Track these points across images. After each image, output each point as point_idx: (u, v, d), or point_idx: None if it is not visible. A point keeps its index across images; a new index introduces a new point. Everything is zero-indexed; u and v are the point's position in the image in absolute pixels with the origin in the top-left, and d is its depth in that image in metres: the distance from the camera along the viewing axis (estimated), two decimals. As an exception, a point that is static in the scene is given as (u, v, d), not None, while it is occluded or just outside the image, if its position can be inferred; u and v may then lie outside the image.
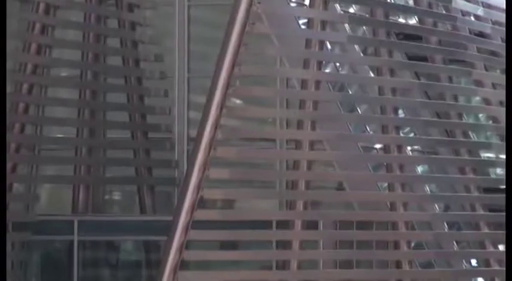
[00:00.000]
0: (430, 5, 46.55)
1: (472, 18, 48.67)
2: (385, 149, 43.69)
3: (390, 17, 45.69)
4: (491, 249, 45.29)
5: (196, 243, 39.16)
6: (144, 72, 46.95)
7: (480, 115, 49.91)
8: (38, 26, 45.74)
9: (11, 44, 43.34)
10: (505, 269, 39.35)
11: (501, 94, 46.96)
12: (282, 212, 43.31)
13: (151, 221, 45.91)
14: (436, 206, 45.44)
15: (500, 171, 48.15)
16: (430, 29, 46.47)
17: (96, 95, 46.25)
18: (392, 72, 43.96)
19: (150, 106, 47.13)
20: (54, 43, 45.90)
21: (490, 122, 47.76)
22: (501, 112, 46.71)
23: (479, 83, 46.67)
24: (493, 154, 49.33)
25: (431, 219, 44.39)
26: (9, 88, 43.58)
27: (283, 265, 41.78)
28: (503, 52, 47.32)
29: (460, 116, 46.79)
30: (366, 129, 45.81)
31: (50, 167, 47.62)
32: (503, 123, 46.79)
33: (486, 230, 44.96)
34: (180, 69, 47.17)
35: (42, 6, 45.68)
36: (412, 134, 46.51)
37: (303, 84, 42.16)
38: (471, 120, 48.91)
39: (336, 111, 43.40)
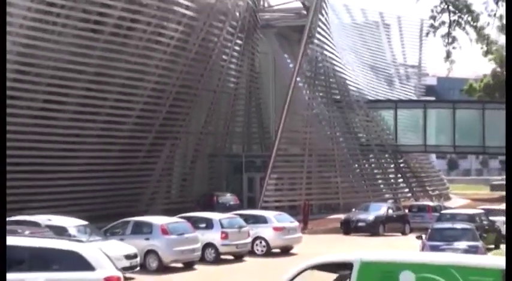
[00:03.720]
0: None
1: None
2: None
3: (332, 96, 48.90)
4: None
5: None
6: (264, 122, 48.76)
7: (358, 124, 50.93)
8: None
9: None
10: None
11: (365, 119, 50.29)
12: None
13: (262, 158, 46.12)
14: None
15: (362, 135, 50.68)
16: (344, 100, 49.39)
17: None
18: (333, 111, 48.09)
19: (266, 130, 48.84)
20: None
21: (360, 123, 50.86)
22: (365, 124, 50.15)
23: (357, 115, 50.07)
24: (362, 134, 51.06)
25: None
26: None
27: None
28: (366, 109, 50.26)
29: (353, 123, 50.15)
30: (325, 130, 47.72)
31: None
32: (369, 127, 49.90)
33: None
34: (273, 121, 48.34)
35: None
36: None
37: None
38: (355, 125, 50.54)
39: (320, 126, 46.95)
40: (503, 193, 45.51)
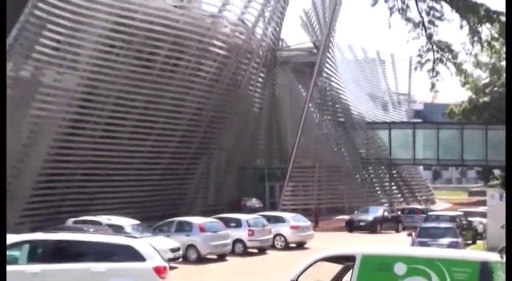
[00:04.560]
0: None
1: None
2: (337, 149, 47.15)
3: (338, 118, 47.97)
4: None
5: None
6: (282, 140, 47.27)
7: (359, 141, 49.67)
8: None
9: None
10: None
11: (364, 138, 49.32)
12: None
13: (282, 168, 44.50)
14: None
15: (363, 151, 49.30)
16: (347, 122, 48.35)
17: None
18: (338, 131, 47.05)
19: (284, 147, 46.75)
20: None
21: (361, 141, 49.49)
22: (365, 141, 49.24)
23: (358, 135, 48.94)
24: (363, 150, 49.99)
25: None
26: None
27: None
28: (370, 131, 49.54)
29: (355, 141, 48.77)
30: (332, 146, 46.56)
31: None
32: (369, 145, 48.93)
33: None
34: (290, 139, 45.84)
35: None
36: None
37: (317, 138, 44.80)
38: (357, 142, 49.23)
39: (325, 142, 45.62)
40: (479, 198, 46.76)
